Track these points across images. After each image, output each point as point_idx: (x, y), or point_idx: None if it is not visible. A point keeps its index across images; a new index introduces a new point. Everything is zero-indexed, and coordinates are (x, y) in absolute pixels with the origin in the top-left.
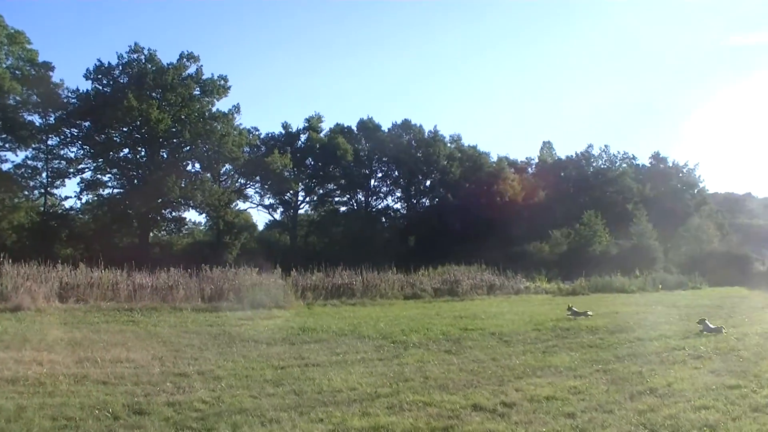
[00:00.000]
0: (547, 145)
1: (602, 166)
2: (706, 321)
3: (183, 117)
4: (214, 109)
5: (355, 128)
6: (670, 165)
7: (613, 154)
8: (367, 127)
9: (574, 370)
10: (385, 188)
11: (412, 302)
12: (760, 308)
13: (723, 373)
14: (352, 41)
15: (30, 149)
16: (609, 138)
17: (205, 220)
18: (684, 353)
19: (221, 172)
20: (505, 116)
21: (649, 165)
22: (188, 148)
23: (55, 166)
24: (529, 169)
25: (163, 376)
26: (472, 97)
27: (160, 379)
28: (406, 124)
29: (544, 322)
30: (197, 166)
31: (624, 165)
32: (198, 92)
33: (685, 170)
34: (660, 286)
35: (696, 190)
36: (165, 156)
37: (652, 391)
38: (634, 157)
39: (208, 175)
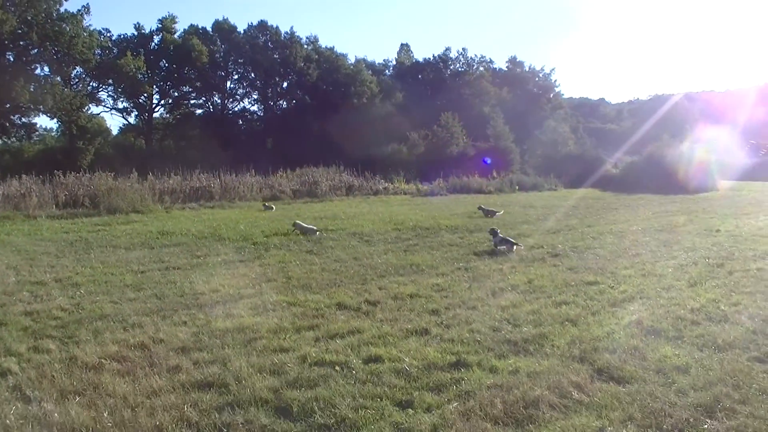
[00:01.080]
0: (405, 48)
1: (459, 69)
2: (482, 206)
3: (29, 18)
4: (62, 10)
5: (210, 29)
6: (527, 69)
7: (471, 58)
8: (223, 28)
9: (436, 268)
10: (241, 90)
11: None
12: (614, 209)
13: (581, 270)
14: None
15: None
16: (467, 41)
17: (56, 125)
18: (543, 251)
19: (72, 75)
20: (363, 17)
21: (506, 69)
22: (36, 50)
23: None
24: (387, 71)
25: (19, 285)
26: None
27: (16, 288)
28: (262, 26)
29: (404, 222)
30: (46, 69)
31: (481, 68)
32: None
33: (541, 75)
34: (517, 188)
35: (552, 95)
36: (11, 59)
37: (513, 288)
38: (491, 61)
39: (59, 78)
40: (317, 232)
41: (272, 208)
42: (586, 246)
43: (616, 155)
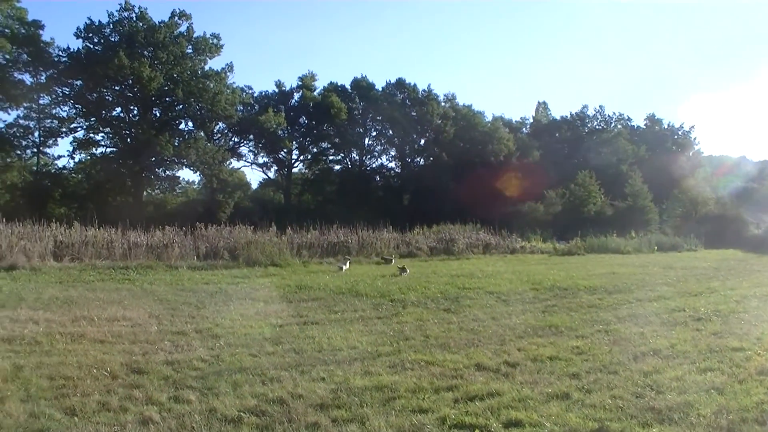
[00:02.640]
0: (542, 105)
1: (597, 127)
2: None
3: (175, 75)
4: (206, 68)
5: (348, 87)
6: (665, 127)
7: (608, 115)
8: (361, 85)
9: (575, 330)
10: (379, 147)
11: (408, 260)
12: (757, 270)
13: (725, 335)
14: None
15: (21, 108)
16: (604, 99)
17: (198, 178)
18: (684, 314)
19: (214, 130)
20: (500, 76)
21: (644, 127)
22: (181, 106)
23: (47, 125)
24: (524, 129)
25: (161, 334)
26: (467, 56)
27: (158, 338)
28: (400, 83)
29: (542, 281)
30: (190, 124)
31: (619, 126)
32: (190, 50)
33: (680, 132)
34: (655, 248)
35: (691, 152)
36: (158, 114)
37: (655, 352)
38: (629, 119)
39: (202, 133)
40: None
41: (391, 261)
42: (730, 310)
43: (758, 215)
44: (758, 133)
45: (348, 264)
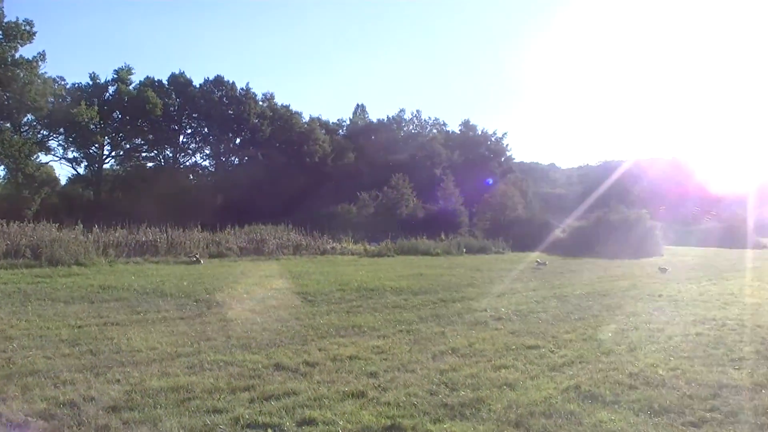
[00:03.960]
0: (360, 108)
1: (413, 131)
2: None
3: None
4: (17, 55)
5: (166, 82)
6: (479, 133)
7: (424, 120)
8: (179, 81)
9: (378, 330)
10: (194, 145)
11: (217, 261)
12: (559, 273)
13: (523, 334)
14: None
15: None
16: (421, 104)
17: (3, 172)
18: (486, 314)
19: (22, 122)
20: (319, 76)
21: (459, 132)
22: None
23: None
24: (341, 130)
25: None
26: (287, 56)
27: None
28: (218, 81)
29: (349, 282)
30: None
31: (434, 131)
32: (0, 36)
33: (493, 139)
34: (464, 250)
35: (503, 158)
36: None
37: (453, 351)
38: (444, 124)
39: (8, 124)
40: None
41: (200, 261)
42: (530, 310)
43: (564, 220)
44: (566, 143)
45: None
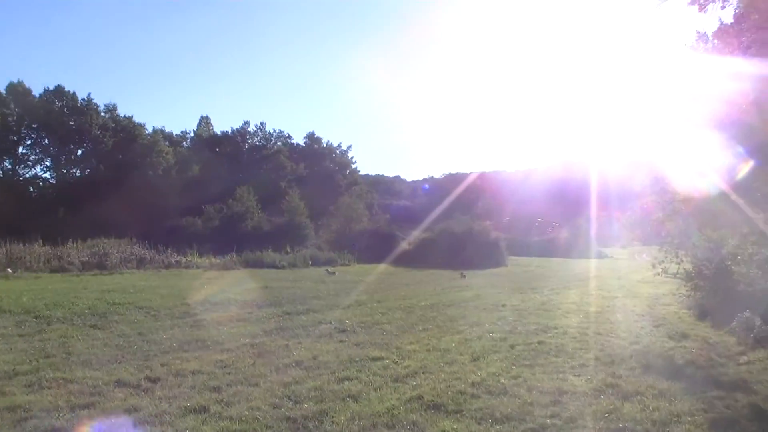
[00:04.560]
0: (204, 120)
1: (258, 144)
2: None
3: None
4: None
5: (3, 91)
6: (324, 146)
7: (269, 132)
8: (17, 90)
9: (222, 344)
10: (34, 156)
11: (59, 275)
12: (405, 284)
13: (367, 346)
14: None
15: None
16: (266, 116)
17: None
18: (330, 327)
19: None
20: (163, 87)
21: (304, 145)
22: None
23: None
24: (185, 142)
25: None
26: (129, 65)
27: None
28: (59, 91)
29: (194, 296)
30: None
31: (279, 143)
32: None
33: (338, 151)
34: (310, 263)
35: (348, 171)
36: None
37: (297, 364)
38: (289, 136)
39: None
40: None
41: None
42: (374, 321)
43: (410, 231)
44: (412, 156)
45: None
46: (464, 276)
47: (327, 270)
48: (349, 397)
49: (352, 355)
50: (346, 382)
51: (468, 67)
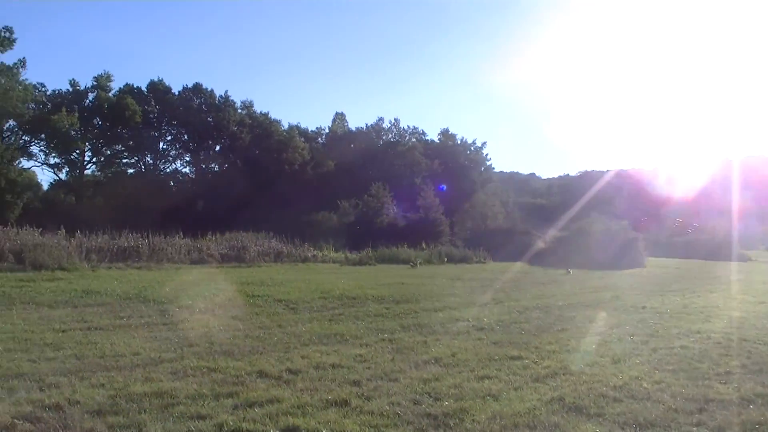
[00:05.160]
0: (339, 116)
1: (392, 140)
2: None
3: None
4: None
5: (145, 89)
6: (459, 142)
7: (403, 128)
8: (158, 88)
9: (360, 338)
10: (174, 152)
11: (198, 267)
12: (541, 283)
13: (505, 345)
14: None
15: None
16: (400, 112)
17: None
18: (468, 324)
19: (4, 128)
20: (299, 85)
21: (438, 141)
22: None
23: None
24: (320, 138)
25: None
26: (266, 64)
27: None
28: (197, 88)
29: (331, 290)
30: None
31: (413, 140)
32: None
33: (472, 148)
34: (445, 259)
35: (483, 168)
36: None
37: (436, 361)
38: (423, 132)
39: None
40: None
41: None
42: (512, 320)
43: (546, 229)
44: (547, 153)
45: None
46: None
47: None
48: (489, 395)
49: (491, 354)
50: (486, 381)
51: (609, 62)
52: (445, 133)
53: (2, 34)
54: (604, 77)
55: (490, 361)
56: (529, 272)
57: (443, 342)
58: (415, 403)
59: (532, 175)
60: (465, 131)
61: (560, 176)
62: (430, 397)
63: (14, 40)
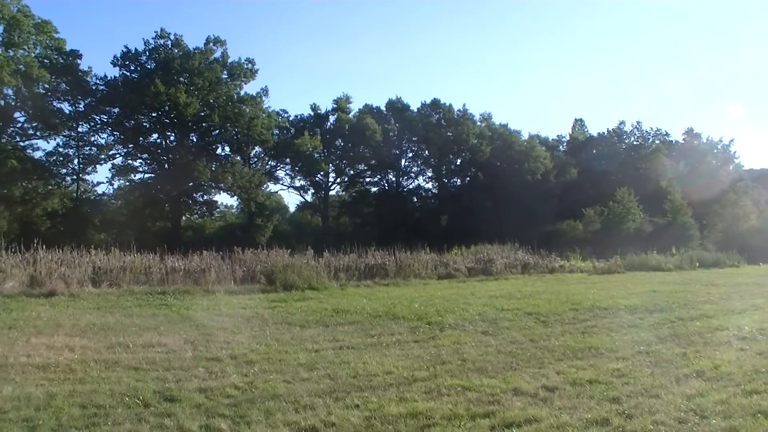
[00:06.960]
0: (578, 123)
1: (634, 143)
2: None
3: (211, 101)
4: (242, 93)
5: (383, 108)
6: (704, 141)
7: (646, 131)
8: (396, 107)
9: (616, 351)
10: (415, 168)
11: (446, 282)
12: None
13: None
14: (378, 20)
15: (61, 137)
16: (641, 114)
17: (236, 202)
18: (728, 333)
19: (251, 154)
20: (536, 93)
21: (683, 141)
22: (217, 131)
23: (87, 152)
24: (561, 146)
25: (195, 360)
26: (502, 75)
27: (192, 364)
28: (435, 103)
29: (581, 301)
30: (227, 149)
31: (657, 141)
32: (225, 76)
33: (719, 146)
34: (697, 264)
35: (731, 166)
36: (194, 140)
37: (698, 374)
38: (666, 134)
39: (238, 157)
40: None
41: None
42: None
43: None
44: None
45: None
46: None
47: None
48: (759, 412)
49: (757, 366)
50: (755, 396)
51: None
52: (689, 133)
53: (245, 66)
54: None
55: (757, 374)
56: None
57: (704, 353)
58: (680, 422)
59: None
60: (710, 129)
61: None
62: (696, 414)
63: (256, 71)
